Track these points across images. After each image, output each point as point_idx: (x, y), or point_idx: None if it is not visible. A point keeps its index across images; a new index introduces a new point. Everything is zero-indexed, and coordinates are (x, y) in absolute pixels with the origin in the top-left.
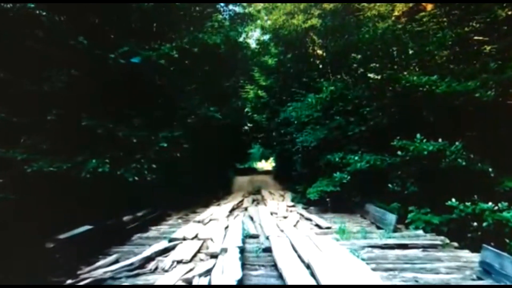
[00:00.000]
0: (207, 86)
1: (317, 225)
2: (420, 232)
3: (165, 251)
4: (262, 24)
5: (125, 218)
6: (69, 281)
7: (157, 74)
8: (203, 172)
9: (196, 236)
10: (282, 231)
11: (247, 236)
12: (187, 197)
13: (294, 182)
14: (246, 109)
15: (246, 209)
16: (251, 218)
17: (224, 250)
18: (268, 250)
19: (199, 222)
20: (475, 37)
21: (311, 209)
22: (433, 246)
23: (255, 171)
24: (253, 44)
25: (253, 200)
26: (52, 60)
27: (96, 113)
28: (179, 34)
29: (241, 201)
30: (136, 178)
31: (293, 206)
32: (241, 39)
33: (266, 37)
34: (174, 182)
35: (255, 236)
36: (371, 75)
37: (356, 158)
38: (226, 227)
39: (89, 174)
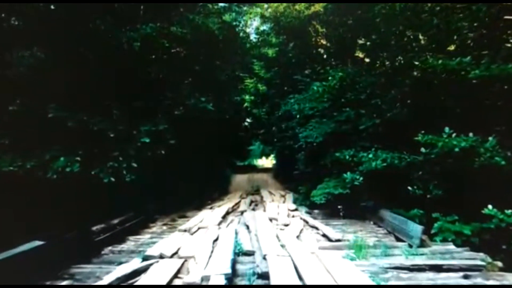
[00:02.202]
0: (200, 76)
1: (325, 236)
2: (452, 246)
3: (133, 275)
4: (262, 12)
5: (95, 228)
6: None
7: (139, 59)
8: (197, 171)
9: (176, 253)
10: (283, 246)
11: (240, 253)
12: (177, 199)
13: (296, 181)
14: (245, 104)
15: (242, 213)
16: (247, 226)
17: (206, 279)
18: (265, 276)
19: (185, 231)
20: (506, 17)
21: (316, 213)
22: (475, 268)
23: (254, 169)
24: (252, 33)
25: (251, 202)
26: (13, 39)
27: (67, 103)
28: (168, 16)
29: (238, 203)
30: (113, 179)
31: (295, 209)
32: (239, 28)
33: (266, 27)
34: (161, 182)
35: (250, 253)
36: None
37: (370, 156)
38: (216, 240)
39: (56, 175)
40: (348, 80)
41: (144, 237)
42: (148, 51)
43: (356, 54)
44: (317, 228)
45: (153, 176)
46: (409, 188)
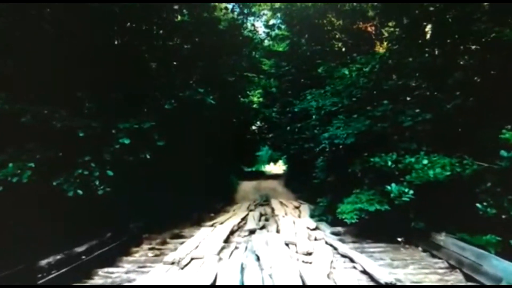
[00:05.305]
0: (198, 66)
1: (365, 272)
2: None
3: None
4: (272, 4)
5: (45, 262)
6: None
7: (119, 39)
8: (197, 178)
9: None
10: None
11: None
12: (173, 212)
13: (313, 192)
14: (254, 105)
15: (250, 232)
16: (257, 257)
17: None
18: None
19: (172, 263)
20: None
21: (341, 233)
22: None
23: (262, 175)
24: (261, 27)
25: (261, 215)
26: None
27: (20, 93)
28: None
29: (244, 218)
30: (80, 191)
31: (315, 228)
32: (246, 21)
33: (276, 20)
34: (151, 194)
35: None
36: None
37: (424, 161)
38: (213, 284)
39: (2, 186)
40: (391, 62)
41: (119, 270)
42: (133, 30)
43: (376, 49)
44: (351, 260)
45: (141, 187)
46: (478, 205)
